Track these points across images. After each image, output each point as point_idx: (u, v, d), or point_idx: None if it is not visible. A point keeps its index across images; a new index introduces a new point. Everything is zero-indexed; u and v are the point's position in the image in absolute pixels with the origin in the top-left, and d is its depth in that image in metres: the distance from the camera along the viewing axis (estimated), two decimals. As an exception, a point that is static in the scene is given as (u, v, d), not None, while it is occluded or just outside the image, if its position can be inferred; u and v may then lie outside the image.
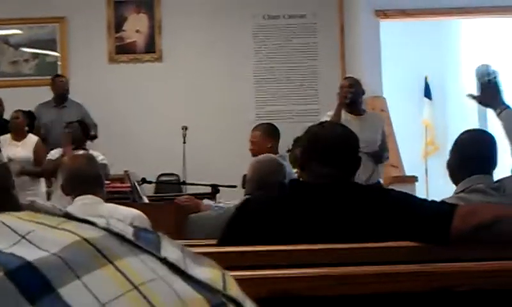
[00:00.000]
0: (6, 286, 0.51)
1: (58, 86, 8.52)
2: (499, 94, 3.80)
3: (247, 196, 3.85)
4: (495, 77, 3.87)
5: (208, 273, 0.59)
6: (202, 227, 3.71)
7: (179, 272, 0.58)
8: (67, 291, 0.52)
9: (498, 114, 3.72)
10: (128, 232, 0.60)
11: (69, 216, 0.61)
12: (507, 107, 3.76)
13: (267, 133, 6.10)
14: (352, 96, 6.37)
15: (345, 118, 6.36)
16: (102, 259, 0.55)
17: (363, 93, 6.62)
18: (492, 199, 3.30)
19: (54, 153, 7.14)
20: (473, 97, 3.90)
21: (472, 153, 3.44)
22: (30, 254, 0.54)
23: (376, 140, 6.35)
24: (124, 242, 0.58)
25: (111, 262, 0.55)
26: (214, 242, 2.57)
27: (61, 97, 8.48)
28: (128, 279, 0.54)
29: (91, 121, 8.40)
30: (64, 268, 0.53)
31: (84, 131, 7.38)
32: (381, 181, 6.64)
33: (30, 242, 0.55)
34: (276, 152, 5.82)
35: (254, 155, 5.27)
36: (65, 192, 3.80)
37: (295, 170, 5.25)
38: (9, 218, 0.59)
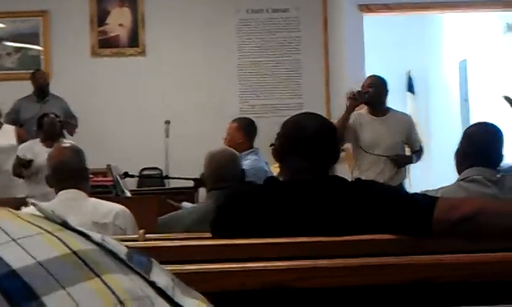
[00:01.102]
0: None
1: (38, 80, 8.51)
2: None
3: (211, 192, 3.84)
4: None
5: (195, 305, 0.60)
6: (172, 228, 3.69)
7: (166, 298, 0.58)
8: (51, 300, 0.52)
9: None
10: (122, 251, 0.60)
11: (66, 225, 0.61)
12: None
13: (242, 127, 6.11)
14: (370, 95, 6.22)
15: (366, 119, 6.31)
16: (89, 273, 0.55)
17: (386, 93, 6.40)
18: (488, 190, 3.36)
19: (22, 149, 7.11)
20: (508, 100, 3.95)
21: (476, 145, 3.52)
22: (16, 259, 0.54)
23: (395, 143, 6.24)
24: (116, 259, 0.59)
25: (98, 276, 0.55)
26: (199, 235, 2.57)
27: (41, 91, 8.46)
28: (114, 294, 0.54)
29: (72, 115, 8.40)
30: (48, 278, 0.53)
31: (61, 123, 7.41)
32: (405, 182, 6.59)
33: (20, 246, 0.55)
34: (248, 147, 5.85)
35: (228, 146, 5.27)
36: (49, 185, 3.78)
37: (276, 165, 5.25)
38: (9, 216, 0.60)
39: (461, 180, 3.48)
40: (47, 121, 7.23)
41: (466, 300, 1.87)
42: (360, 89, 6.38)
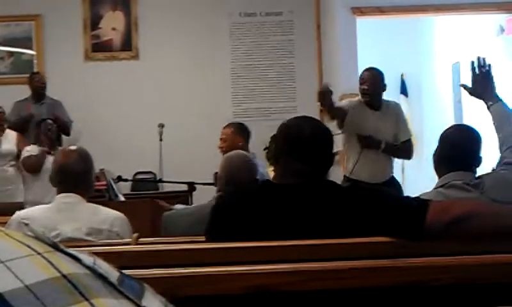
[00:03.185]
0: None
1: (36, 83, 8.54)
2: (491, 86, 3.84)
3: (219, 194, 3.84)
4: (487, 69, 3.91)
5: None
6: (176, 224, 3.70)
7: None
8: None
9: (489, 107, 3.76)
10: (113, 276, 0.60)
11: (56, 247, 0.61)
12: (499, 100, 3.80)
13: (238, 131, 6.10)
14: (366, 92, 6.24)
15: (366, 111, 6.27)
16: (79, 297, 0.54)
17: (383, 87, 6.40)
18: (469, 195, 3.34)
19: (30, 150, 7.13)
20: (465, 87, 3.94)
21: (453, 149, 3.50)
22: (4, 282, 0.53)
23: (388, 134, 6.21)
24: (107, 284, 0.58)
25: (88, 300, 0.54)
26: (192, 238, 2.57)
27: (38, 94, 8.49)
28: None
29: (68, 118, 8.43)
30: (36, 302, 0.53)
31: (59, 128, 7.43)
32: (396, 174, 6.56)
33: (8, 269, 0.55)
34: (246, 151, 5.83)
35: (224, 152, 5.26)
36: (52, 184, 3.76)
37: (272, 168, 5.25)
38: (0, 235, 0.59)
39: (440, 186, 3.45)
40: (44, 126, 7.26)
41: (458, 302, 1.87)
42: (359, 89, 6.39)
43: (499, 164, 3.64)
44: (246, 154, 4.31)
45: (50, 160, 6.03)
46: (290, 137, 2.57)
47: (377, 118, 6.20)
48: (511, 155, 3.54)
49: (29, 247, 0.58)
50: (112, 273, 0.60)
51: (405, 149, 6.31)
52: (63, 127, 8.11)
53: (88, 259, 0.60)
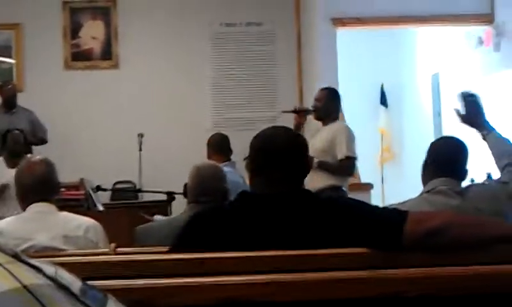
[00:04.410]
0: None
1: (6, 92, 8.50)
2: (482, 115, 3.89)
3: (191, 204, 3.83)
4: (476, 97, 3.97)
5: None
6: (149, 237, 3.69)
7: None
8: None
9: (484, 137, 3.81)
10: (76, 286, 0.59)
11: (18, 257, 0.60)
12: (492, 129, 3.85)
13: (209, 144, 6.20)
14: (316, 109, 6.48)
15: (317, 126, 6.55)
16: None
17: (335, 105, 6.62)
18: (453, 202, 3.38)
19: None
20: (458, 113, 3.98)
21: (439, 157, 3.57)
22: None
23: (321, 150, 6.29)
24: (69, 294, 0.57)
25: None
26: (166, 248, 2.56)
27: (9, 103, 8.45)
28: None
29: (41, 127, 8.39)
30: None
31: (25, 139, 7.35)
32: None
33: None
34: (222, 161, 5.82)
35: None
36: (21, 200, 3.72)
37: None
38: None
39: (427, 192, 3.50)
40: (11, 137, 7.19)
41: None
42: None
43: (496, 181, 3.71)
44: (214, 163, 4.31)
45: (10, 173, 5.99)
46: (265, 147, 2.58)
47: (320, 133, 6.44)
48: (506, 176, 3.61)
49: None
50: (75, 283, 0.59)
51: (340, 167, 6.33)
52: (41, 139, 8.05)
53: (50, 270, 0.59)
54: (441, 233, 2.20)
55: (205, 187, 3.83)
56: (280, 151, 2.54)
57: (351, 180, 7.60)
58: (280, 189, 2.45)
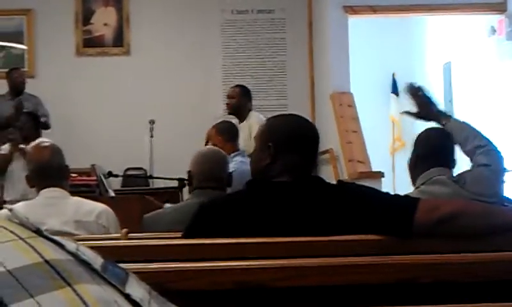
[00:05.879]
0: None
1: (14, 80, 8.49)
2: (434, 105, 3.84)
3: (196, 191, 3.83)
4: (423, 89, 3.92)
5: None
6: (157, 224, 3.69)
7: None
8: None
9: (444, 125, 3.75)
10: (97, 262, 0.59)
11: (40, 233, 0.60)
12: (449, 116, 3.80)
13: (219, 131, 6.21)
14: (230, 107, 6.84)
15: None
16: (60, 282, 0.54)
17: (245, 100, 6.95)
18: (451, 190, 3.36)
19: (5, 149, 7.07)
20: (410, 114, 3.94)
21: (428, 148, 3.54)
22: None
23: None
24: (90, 270, 0.58)
25: (70, 285, 0.54)
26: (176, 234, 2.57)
27: (16, 90, 8.43)
28: (85, 304, 0.54)
29: (44, 111, 8.34)
30: (17, 287, 0.52)
31: (35, 122, 7.33)
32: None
33: None
34: (232, 150, 5.84)
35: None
36: (30, 184, 3.76)
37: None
38: None
39: (422, 183, 3.48)
40: (23, 121, 7.18)
41: (445, 300, 1.88)
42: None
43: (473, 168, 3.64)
44: (215, 149, 4.30)
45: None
46: (293, 133, 2.57)
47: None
48: (484, 159, 3.55)
49: (12, 232, 0.58)
50: (96, 260, 0.60)
51: None
52: (44, 125, 8.04)
53: (71, 246, 0.60)
54: (451, 221, 2.20)
55: (210, 173, 3.83)
56: (308, 138, 2.56)
57: (361, 168, 7.60)
58: (296, 176, 2.46)
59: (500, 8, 8.53)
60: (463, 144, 3.65)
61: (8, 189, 6.89)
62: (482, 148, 3.57)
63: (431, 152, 3.54)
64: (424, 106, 3.83)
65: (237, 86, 7.21)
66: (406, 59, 10.69)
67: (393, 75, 10.87)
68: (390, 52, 10.53)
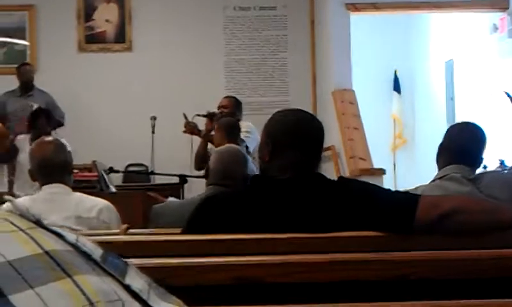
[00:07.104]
0: None
1: (23, 75, 8.49)
2: None
3: (210, 187, 3.85)
4: None
5: None
6: (166, 216, 3.70)
7: (142, 302, 0.58)
8: (18, 299, 0.51)
9: None
10: (96, 253, 0.60)
11: (39, 223, 0.60)
12: None
13: (222, 128, 6.27)
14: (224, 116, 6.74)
15: None
16: (60, 273, 0.54)
17: (237, 110, 7.05)
18: (465, 188, 3.36)
19: (21, 139, 7.10)
20: (509, 96, 3.92)
21: (453, 144, 3.53)
22: None
23: None
24: (89, 261, 0.58)
25: (70, 276, 0.54)
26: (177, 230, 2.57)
27: (26, 85, 8.44)
28: (84, 295, 0.54)
29: (58, 110, 8.37)
30: (17, 278, 0.53)
31: (47, 119, 7.32)
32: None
33: None
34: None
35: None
36: (32, 178, 3.77)
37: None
38: None
39: (440, 178, 3.48)
40: (39, 119, 7.19)
41: (444, 296, 1.88)
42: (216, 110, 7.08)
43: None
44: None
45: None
46: (296, 129, 2.56)
47: None
48: None
49: (11, 223, 0.58)
50: (96, 251, 0.60)
51: None
52: (57, 122, 8.04)
53: (71, 237, 0.60)
54: (452, 217, 2.20)
55: (227, 171, 3.85)
56: (308, 134, 2.55)
57: (363, 165, 7.61)
58: (297, 173, 2.46)
59: (502, 6, 8.53)
60: None
61: (18, 183, 6.92)
62: None
63: (453, 148, 3.52)
64: None
65: (230, 96, 7.47)
66: (408, 57, 10.70)
67: (395, 72, 10.88)
68: (392, 49, 10.54)
